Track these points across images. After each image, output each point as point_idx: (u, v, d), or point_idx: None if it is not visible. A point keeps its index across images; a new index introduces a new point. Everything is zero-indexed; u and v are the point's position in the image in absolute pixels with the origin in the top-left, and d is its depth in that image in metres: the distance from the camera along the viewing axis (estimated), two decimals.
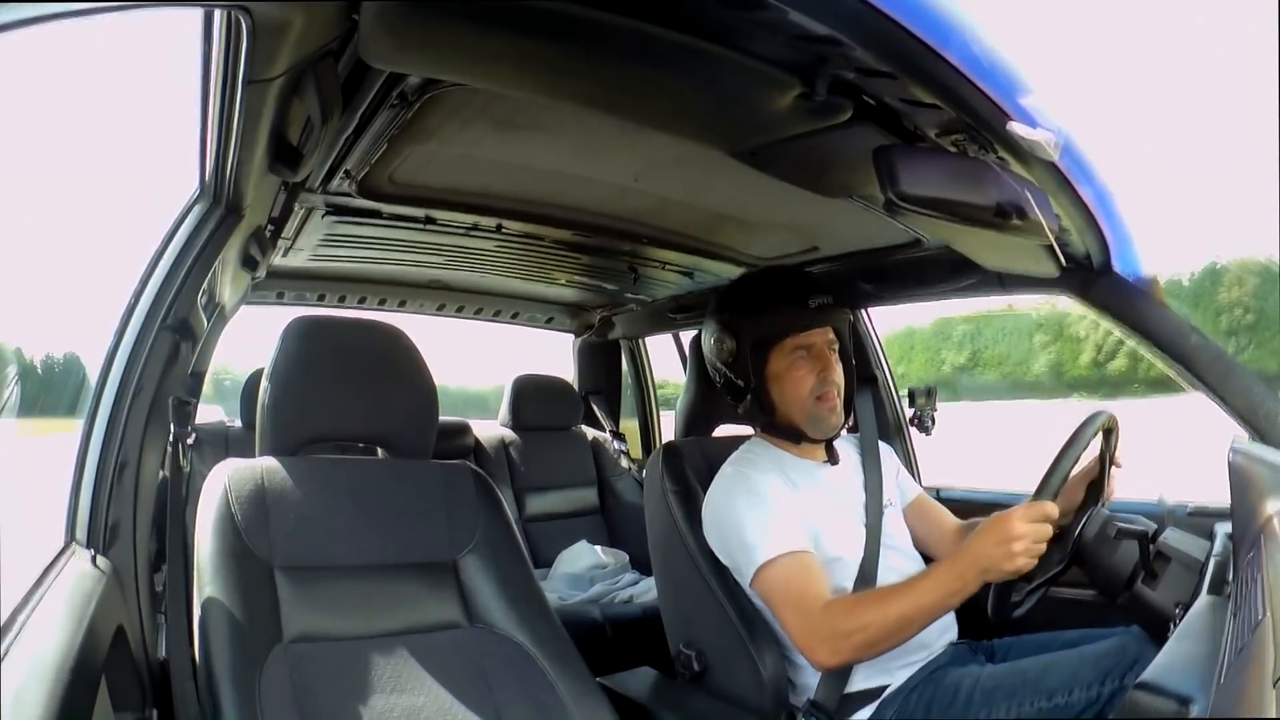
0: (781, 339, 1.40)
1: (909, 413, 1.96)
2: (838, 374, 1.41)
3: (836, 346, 1.43)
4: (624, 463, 2.98)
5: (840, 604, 1.23)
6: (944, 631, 1.37)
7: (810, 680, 1.32)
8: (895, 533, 1.45)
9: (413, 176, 1.47)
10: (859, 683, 1.31)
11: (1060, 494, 1.16)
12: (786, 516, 1.32)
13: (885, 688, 1.30)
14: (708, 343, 1.49)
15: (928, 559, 1.48)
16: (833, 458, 1.47)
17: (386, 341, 1.30)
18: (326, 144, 1.14)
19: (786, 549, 1.28)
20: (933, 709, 1.23)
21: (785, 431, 1.45)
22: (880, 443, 1.59)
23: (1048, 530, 1.08)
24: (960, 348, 11.17)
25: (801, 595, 1.25)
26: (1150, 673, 0.80)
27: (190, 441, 1.17)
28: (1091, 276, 1.33)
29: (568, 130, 1.28)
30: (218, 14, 0.78)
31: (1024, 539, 1.06)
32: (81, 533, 1.09)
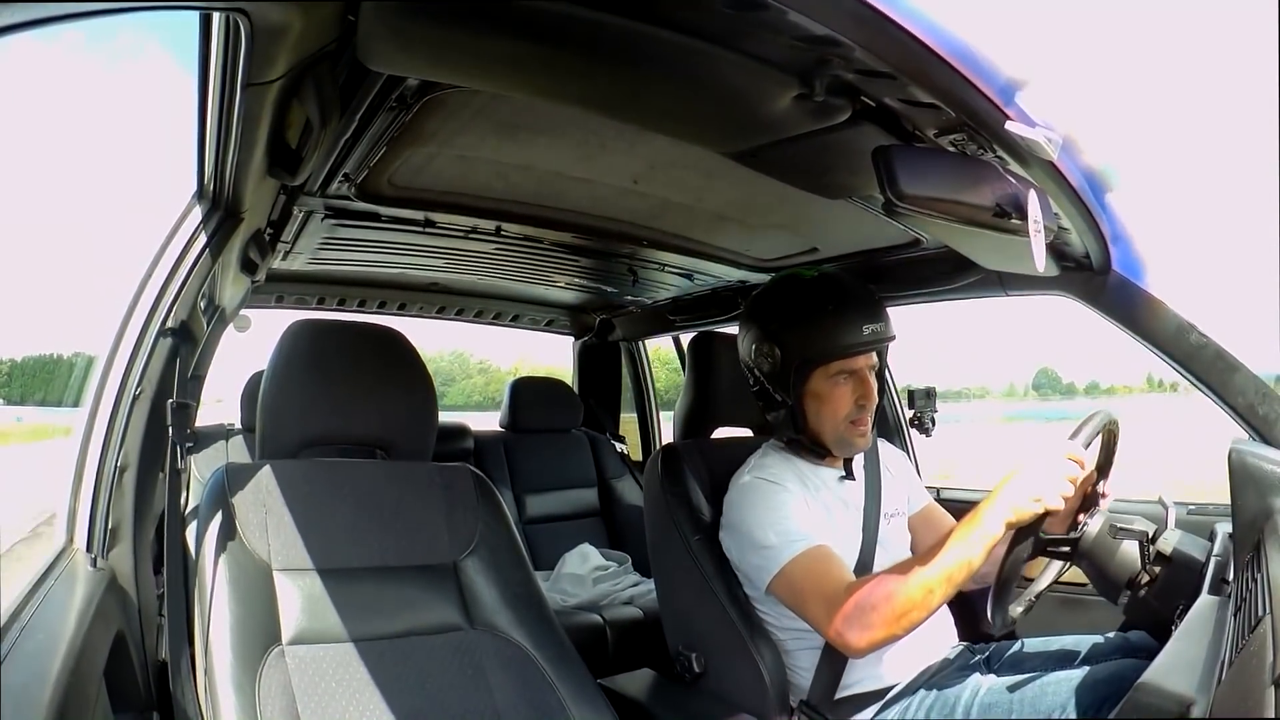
0: (828, 362, 1.35)
1: (908, 414, 1.97)
2: (874, 398, 1.38)
3: (876, 368, 1.40)
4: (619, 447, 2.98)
5: (861, 581, 1.20)
6: (943, 637, 1.37)
7: (803, 681, 1.32)
8: (895, 542, 1.43)
9: (412, 179, 1.47)
10: (857, 685, 1.30)
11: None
12: (806, 517, 1.31)
13: (885, 690, 1.30)
14: (746, 347, 1.43)
15: None
16: (850, 473, 1.44)
17: (386, 344, 1.30)
18: (325, 147, 1.14)
19: (807, 545, 1.26)
20: (932, 714, 1.23)
21: (810, 447, 1.42)
22: (895, 450, 1.58)
23: (1079, 472, 1.07)
24: None
25: (824, 582, 1.22)
26: (1150, 673, 0.80)
27: (190, 444, 1.17)
28: (1091, 276, 1.33)
29: (567, 132, 1.28)
30: (216, 17, 0.78)
31: (1055, 478, 1.05)
32: (81, 535, 1.09)
